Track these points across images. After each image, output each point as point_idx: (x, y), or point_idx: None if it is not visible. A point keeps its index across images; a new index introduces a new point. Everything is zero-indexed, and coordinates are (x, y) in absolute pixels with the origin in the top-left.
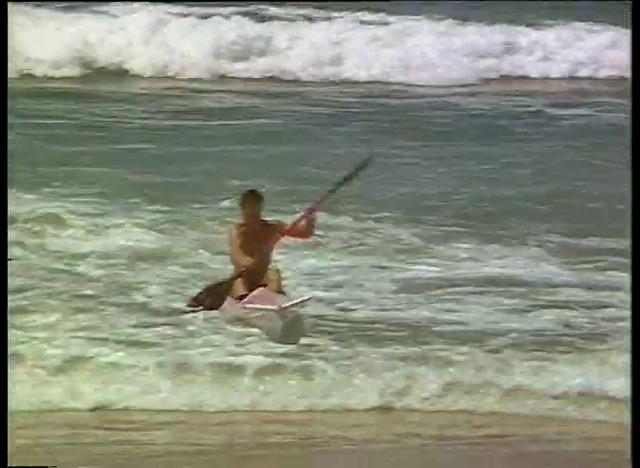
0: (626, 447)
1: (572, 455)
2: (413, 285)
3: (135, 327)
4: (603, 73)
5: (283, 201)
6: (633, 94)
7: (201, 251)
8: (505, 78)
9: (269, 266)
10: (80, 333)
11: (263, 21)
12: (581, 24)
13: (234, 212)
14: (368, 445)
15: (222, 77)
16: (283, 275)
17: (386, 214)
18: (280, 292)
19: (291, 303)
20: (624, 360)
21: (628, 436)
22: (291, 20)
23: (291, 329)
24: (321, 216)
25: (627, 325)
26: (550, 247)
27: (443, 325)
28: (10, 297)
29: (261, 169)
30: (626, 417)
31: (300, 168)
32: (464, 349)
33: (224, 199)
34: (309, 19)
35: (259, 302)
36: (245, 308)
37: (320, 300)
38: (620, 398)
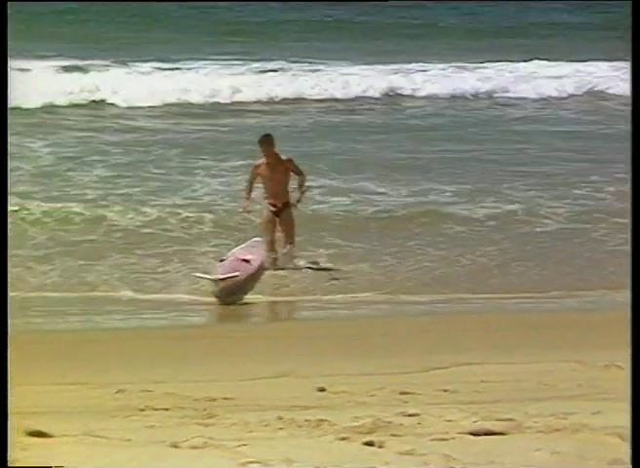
0: None
1: None
2: None
3: None
4: None
5: None
6: (633, 93)
7: None
8: None
9: (286, 218)
10: None
11: None
12: None
13: None
14: None
15: None
16: None
17: None
18: (288, 240)
19: (225, 276)
20: None
21: None
22: None
23: (229, 292)
24: None
25: None
26: None
27: None
28: None
29: None
30: None
31: None
32: None
33: None
34: None
35: (224, 269)
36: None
37: None
38: None
